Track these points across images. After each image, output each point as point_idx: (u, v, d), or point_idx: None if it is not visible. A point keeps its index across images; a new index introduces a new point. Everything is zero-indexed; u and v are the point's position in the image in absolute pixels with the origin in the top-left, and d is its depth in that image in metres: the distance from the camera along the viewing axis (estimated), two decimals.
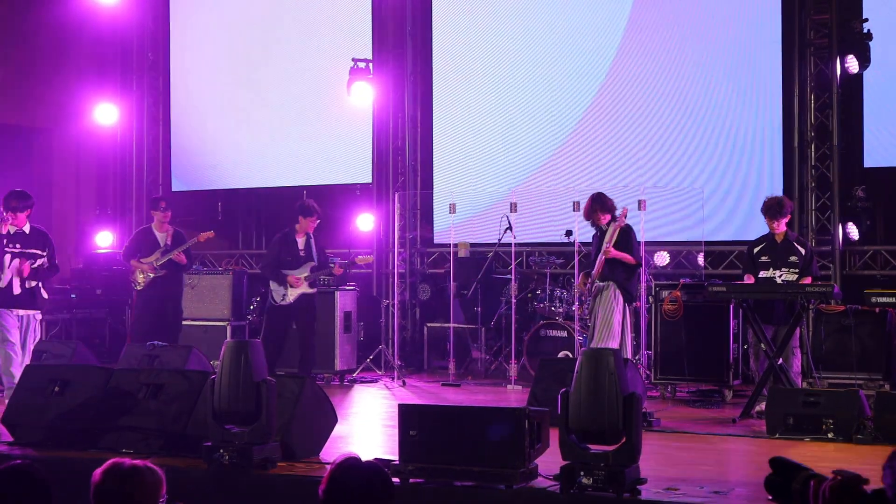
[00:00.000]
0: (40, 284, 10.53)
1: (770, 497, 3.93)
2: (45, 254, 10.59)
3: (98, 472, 3.99)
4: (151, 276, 11.97)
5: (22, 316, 10.38)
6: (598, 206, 10.67)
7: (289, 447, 7.48)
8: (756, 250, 10.33)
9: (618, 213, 10.69)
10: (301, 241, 11.90)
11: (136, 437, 7.95)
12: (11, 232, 10.42)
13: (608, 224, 10.62)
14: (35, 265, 10.55)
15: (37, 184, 16.39)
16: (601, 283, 10.56)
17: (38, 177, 16.64)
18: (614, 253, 10.44)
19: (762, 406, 9.28)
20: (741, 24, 13.08)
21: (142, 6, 16.75)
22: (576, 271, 11.89)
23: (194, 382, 8.07)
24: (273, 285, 11.83)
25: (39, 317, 10.57)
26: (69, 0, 16.06)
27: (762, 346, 9.89)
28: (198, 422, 7.79)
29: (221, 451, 7.17)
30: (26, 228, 10.45)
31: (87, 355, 11.23)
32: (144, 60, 16.91)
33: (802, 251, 10.19)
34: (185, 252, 12.02)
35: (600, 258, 10.50)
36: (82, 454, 7.86)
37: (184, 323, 12.73)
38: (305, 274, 11.76)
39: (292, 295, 11.72)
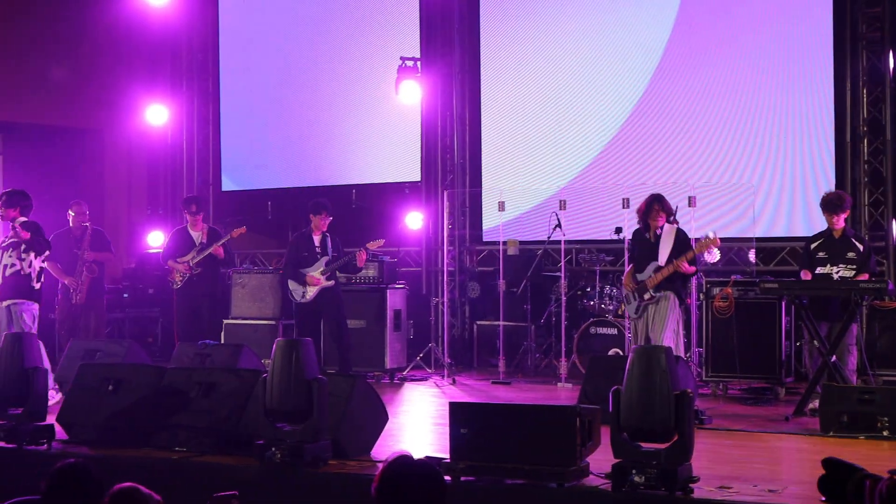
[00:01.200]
0: (27, 273, 10.40)
1: (823, 498, 3.88)
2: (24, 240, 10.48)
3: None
4: (187, 275, 12.14)
5: (7, 305, 10.45)
6: (659, 205, 10.23)
7: (340, 445, 7.51)
8: (814, 246, 10.21)
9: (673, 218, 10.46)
10: (317, 239, 12.02)
11: (189, 435, 8.01)
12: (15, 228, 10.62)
13: (662, 226, 10.25)
14: (14, 253, 10.47)
15: (89, 184, 16.60)
16: (658, 294, 10.14)
17: (91, 177, 16.82)
18: (686, 268, 10.09)
19: (815, 404, 9.18)
20: (791, 19, 12.95)
21: (191, 8, 16.87)
22: (626, 269, 11.81)
23: (246, 381, 8.12)
24: (292, 284, 11.96)
25: (27, 307, 10.32)
26: (120, 3, 16.22)
27: (815, 343, 9.79)
28: (250, 420, 7.84)
29: (273, 448, 7.21)
30: (15, 224, 10.57)
31: (140, 354, 11.34)
32: (194, 62, 17.05)
33: (861, 248, 10.03)
34: (226, 245, 12.13)
35: (666, 271, 10.05)
36: (136, 452, 7.94)
37: (234, 322, 12.84)
38: (321, 269, 11.84)
39: (311, 291, 11.84)
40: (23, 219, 10.54)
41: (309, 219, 12.16)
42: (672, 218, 10.39)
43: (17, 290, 10.36)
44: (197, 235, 12.30)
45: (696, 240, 10.52)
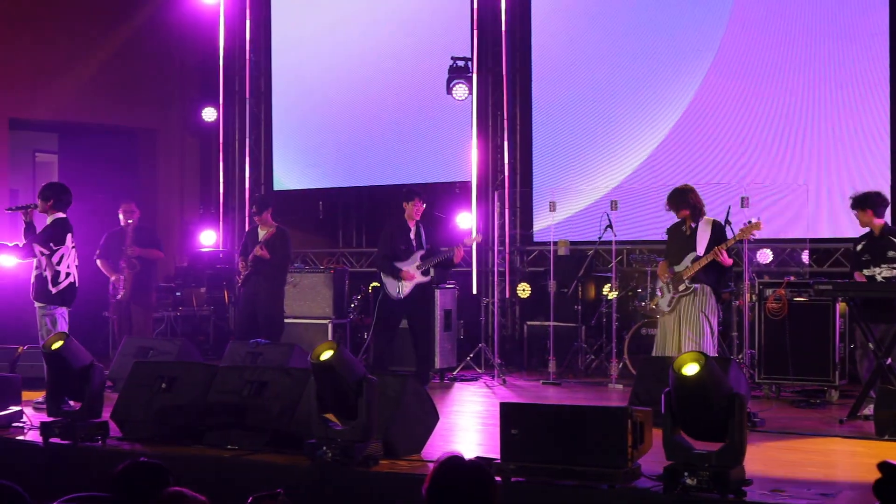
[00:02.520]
0: (44, 276, 10.34)
1: (878, 503, 3.84)
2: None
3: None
4: (245, 273, 12.21)
5: (37, 307, 10.51)
6: (676, 197, 10.01)
7: (391, 445, 7.51)
8: (859, 248, 10.10)
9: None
10: (412, 231, 11.92)
11: (241, 433, 8.05)
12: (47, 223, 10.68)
13: (697, 221, 9.97)
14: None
15: (143, 184, 16.78)
16: (693, 286, 9.91)
17: (145, 177, 17.00)
18: (727, 260, 9.85)
19: (870, 409, 9.07)
20: (845, 17, 12.82)
21: (243, 8, 17.00)
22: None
23: (297, 380, 8.15)
24: (388, 279, 11.80)
25: (49, 311, 10.28)
26: (173, 4, 16.37)
27: (870, 345, 9.68)
28: (301, 419, 7.87)
29: (324, 448, 7.23)
30: (49, 220, 10.60)
31: (193, 352, 11.44)
32: (246, 62, 17.14)
33: None
34: (275, 248, 12.08)
35: (704, 259, 9.83)
36: (188, 450, 7.99)
37: (286, 321, 12.81)
38: (417, 263, 11.77)
39: (407, 287, 11.72)
40: (61, 215, 10.58)
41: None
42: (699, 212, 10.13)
43: (39, 294, 10.39)
44: (262, 234, 12.34)
45: (742, 227, 10.14)
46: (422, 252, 11.79)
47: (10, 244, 10.56)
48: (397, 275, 11.70)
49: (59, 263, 10.37)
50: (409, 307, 11.81)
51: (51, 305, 10.32)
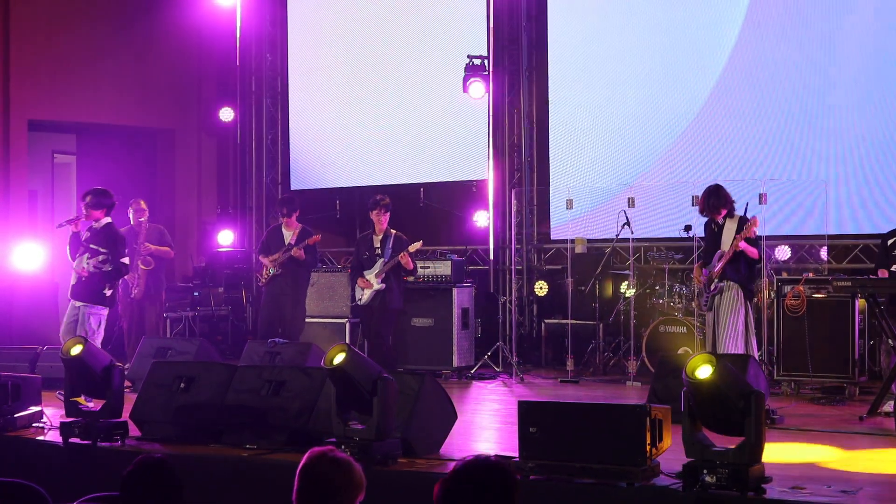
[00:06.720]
0: (104, 280, 10.44)
1: None
2: (104, 251, 10.46)
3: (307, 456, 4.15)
4: (271, 273, 12.20)
5: (78, 307, 10.49)
6: (715, 199, 9.98)
7: (409, 444, 7.52)
8: (890, 243, 10.06)
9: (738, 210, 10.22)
10: (377, 240, 11.92)
11: (259, 433, 8.07)
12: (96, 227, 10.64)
13: (725, 218, 9.99)
14: (91, 260, 10.47)
15: (161, 184, 16.82)
16: (722, 284, 9.90)
17: (162, 177, 17.04)
18: (745, 246, 9.77)
19: (890, 406, 9.04)
20: (863, 11, 12.74)
21: (260, 8, 17.02)
22: (695, 267, 11.72)
23: (315, 379, 8.17)
24: (356, 287, 11.96)
25: (96, 311, 10.35)
26: (190, 4, 16.41)
27: (891, 342, 9.63)
28: (319, 418, 7.88)
29: (343, 447, 7.23)
30: (98, 224, 10.58)
31: (211, 352, 11.45)
32: (263, 62, 17.17)
33: None
34: (307, 249, 12.14)
35: (725, 257, 9.85)
36: (207, 450, 8.01)
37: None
38: (376, 272, 11.79)
39: (366, 295, 11.79)
40: (107, 220, 10.59)
41: (389, 218, 12.05)
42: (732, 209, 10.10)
43: (88, 294, 10.39)
44: (288, 235, 12.34)
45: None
46: (384, 260, 11.78)
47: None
48: (356, 282, 11.87)
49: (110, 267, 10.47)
50: (370, 312, 11.88)
51: (98, 306, 10.38)
